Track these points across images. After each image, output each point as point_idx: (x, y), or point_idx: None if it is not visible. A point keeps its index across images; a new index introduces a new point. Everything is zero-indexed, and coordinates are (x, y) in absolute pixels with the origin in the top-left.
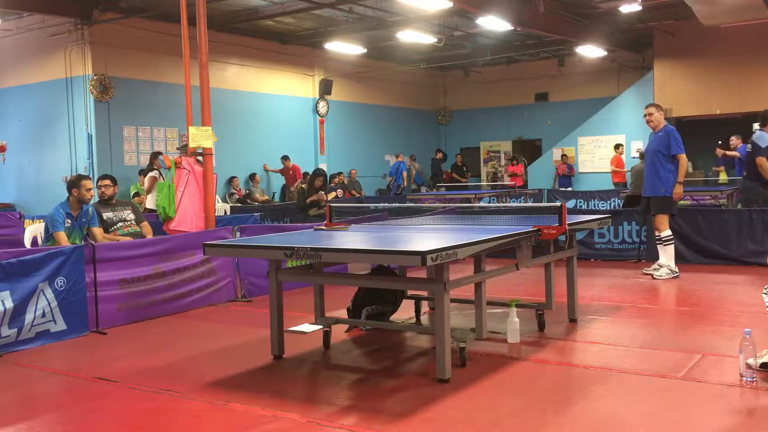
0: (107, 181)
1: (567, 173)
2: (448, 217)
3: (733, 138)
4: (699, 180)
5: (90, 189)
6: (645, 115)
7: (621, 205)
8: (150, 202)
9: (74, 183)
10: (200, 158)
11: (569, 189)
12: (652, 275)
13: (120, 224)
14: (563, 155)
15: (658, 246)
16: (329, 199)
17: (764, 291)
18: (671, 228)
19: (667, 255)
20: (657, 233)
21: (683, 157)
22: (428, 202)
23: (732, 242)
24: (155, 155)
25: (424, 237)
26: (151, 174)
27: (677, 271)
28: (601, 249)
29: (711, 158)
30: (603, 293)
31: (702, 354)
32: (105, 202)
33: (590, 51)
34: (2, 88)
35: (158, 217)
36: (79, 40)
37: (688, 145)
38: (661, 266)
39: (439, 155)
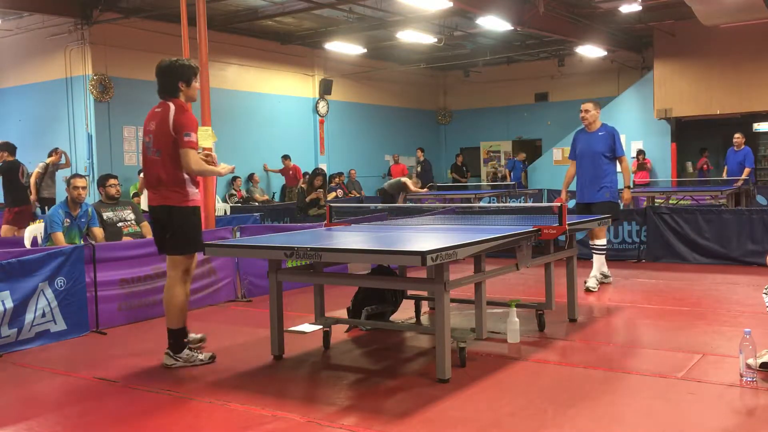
0: (116, 181)
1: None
2: (448, 217)
3: (737, 135)
4: (698, 180)
5: (77, 187)
6: (581, 111)
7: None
8: (144, 203)
9: (67, 182)
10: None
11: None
12: (588, 287)
13: (120, 224)
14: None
15: (593, 253)
16: (329, 199)
17: (764, 291)
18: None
19: (599, 262)
20: (592, 242)
21: (626, 159)
22: (428, 201)
23: (732, 242)
24: None
25: (424, 237)
26: (141, 175)
27: (609, 275)
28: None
29: (711, 159)
30: (603, 293)
31: (702, 354)
32: (106, 201)
33: (590, 51)
34: (2, 88)
35: None
36: (79, 40)
37: (687, 145)
38: (606, 275)
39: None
